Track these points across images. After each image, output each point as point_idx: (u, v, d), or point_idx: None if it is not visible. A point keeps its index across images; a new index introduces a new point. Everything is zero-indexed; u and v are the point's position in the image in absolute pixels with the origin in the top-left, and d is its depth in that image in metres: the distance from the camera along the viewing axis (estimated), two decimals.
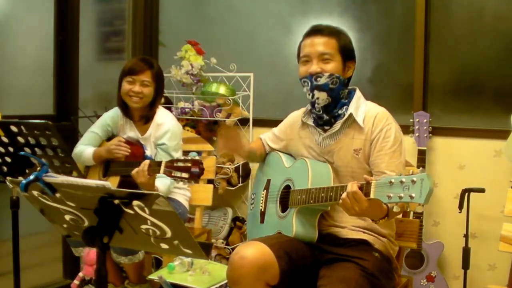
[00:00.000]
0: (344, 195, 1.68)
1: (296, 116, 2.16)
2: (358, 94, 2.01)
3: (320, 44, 1.95)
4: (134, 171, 2.24)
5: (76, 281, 2.86)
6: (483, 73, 3.00)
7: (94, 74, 3.53)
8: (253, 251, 1.76)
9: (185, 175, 2.09)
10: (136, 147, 2.57)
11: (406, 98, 3.13)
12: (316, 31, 1.99)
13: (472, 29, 3.00)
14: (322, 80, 1.92)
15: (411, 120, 2.92)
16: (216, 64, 3.37)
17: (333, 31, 1.99)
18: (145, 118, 2.62)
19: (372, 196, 1.62)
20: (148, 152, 2.59)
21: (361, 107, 1.97)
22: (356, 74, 2.07)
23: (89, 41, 3.50)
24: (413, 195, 1.50)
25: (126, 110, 2.64)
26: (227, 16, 3.72)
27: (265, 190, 2.20)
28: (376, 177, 1.90)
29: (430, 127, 2.89)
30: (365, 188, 1.64)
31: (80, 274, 2.87)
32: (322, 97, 1.94)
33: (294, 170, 2.07)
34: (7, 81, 3.06)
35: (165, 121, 2.60)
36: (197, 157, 2.16)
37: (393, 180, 1.56)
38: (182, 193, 2.75)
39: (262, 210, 2.16)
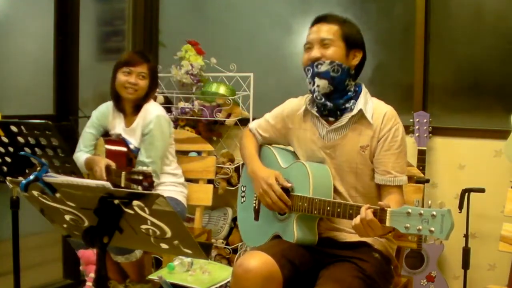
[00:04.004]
0: (357, 220, 1.68)
1: (296, 104, 2.09)
2: (365, 89, 1.99)
3: (322, 30, 1.94)
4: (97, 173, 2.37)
5: (89, 283, 2.86)
6: (483, 73, 3.00)
7: (94, 74, 3.53)
8: (256, 263, 1.75)
9: (139, 188, 2.14)
10: (121, 157, 2.58)
11: (406, 98, 3.12)
12: (320, 18, 1.99)
13: (472, 29, 3.00)
14: (323, 68, 1.90)
15: (411, 120, 2.92)
16: (216, 64, 3.37)
17: (337, 18, 1.98)
18: (136, 111, 2.66)
19: (387, 224, 1.62)
20: (132, 146, 2.62)
21: (369, 103, 1.95)
22: None
23: (89, 41, 3.49)
24: (433, 229, 1.51)
25: (118, 103, 2.68)
26: (227, 16, 3.72)
27: None
28: (379, 175, 1.92)
29: (430, 127, 2.88)
30: (379, 215, 1.64)
31: (91, 275, 2.86)
32: (322, 85, 1.90)
33: (292, 173, 2.00)
34: (7, 81, 3.05)
35: (152, 109, 2.62)
36: (149, 169, 2.19)
37: (410, 211, 1.56)
38: (180, 191, 2.74)
39: (256, 207, 2.13)
